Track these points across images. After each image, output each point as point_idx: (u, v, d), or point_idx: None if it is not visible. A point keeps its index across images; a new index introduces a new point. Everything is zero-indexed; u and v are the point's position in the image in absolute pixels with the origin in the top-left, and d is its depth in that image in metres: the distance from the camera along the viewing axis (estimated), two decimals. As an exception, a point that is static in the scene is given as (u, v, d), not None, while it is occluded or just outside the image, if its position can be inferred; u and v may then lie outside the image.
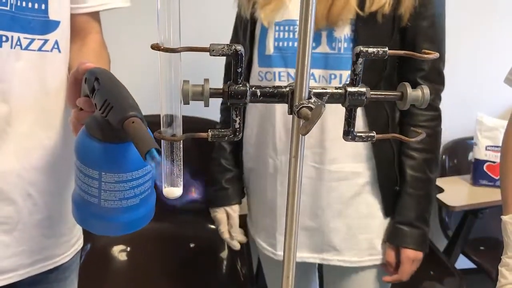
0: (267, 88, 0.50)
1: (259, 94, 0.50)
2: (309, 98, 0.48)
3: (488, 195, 1.83)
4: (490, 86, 1.75)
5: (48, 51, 0.83)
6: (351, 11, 1.01)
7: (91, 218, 0.62)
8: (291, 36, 1.07)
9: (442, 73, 1.12)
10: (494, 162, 1.86)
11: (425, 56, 0.51)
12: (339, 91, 0.51)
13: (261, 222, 1.24)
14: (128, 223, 0.61)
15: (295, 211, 0.53)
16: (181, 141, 0.50)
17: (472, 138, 1.95)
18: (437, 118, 1.13)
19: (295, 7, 1.06)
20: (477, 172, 1.90)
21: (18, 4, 0.78)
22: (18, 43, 0.80)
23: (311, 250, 1.18)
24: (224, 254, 1.86)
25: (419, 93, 0.52)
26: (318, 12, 1.01)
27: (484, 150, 1.88)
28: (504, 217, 0.92)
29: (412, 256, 1.11)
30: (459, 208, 1.77)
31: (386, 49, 0.50)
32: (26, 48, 0.81)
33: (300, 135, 0.48)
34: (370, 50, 0.50)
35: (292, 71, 1.07)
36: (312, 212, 1.15)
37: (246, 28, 1.14)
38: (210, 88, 0.49)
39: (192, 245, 1.89)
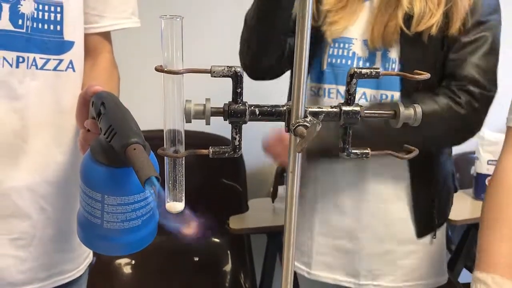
0: (265, 107, 0.53)
1: (257, 112, 0.52)
2: (305, 116, 0.51)
3: (490, 209, 1.83)
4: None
5: (63, 70, 0.86)
6: (397, 30, 0.99)
7: (94, 238, 0.64)
8: (345, 53, 1.07)
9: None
10: (496, 176, 1.87)
11: (417, 76, 0.53)
12: (335, 110, 0.53)
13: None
14: (130, 244, 0.63)
15: (292, 226, 0.55)
16: (183, 157, 0.53)
17: (474, 153, 1.96)
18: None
19: (355, 27, 1.06)
20: (479, 186, 1.91)
21: (34, 26, 0.82)
22: (34, 63, 0.83)
23: (347, 273, 1.16)
24: (228, 267, 1.88)
25: (411, 112, 0.54)
26: (375, 32, 1.01)
27: (486, 165, 1.89)
28: (477, 274, 0.85)
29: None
30: (461, 222, 1.78)
31: (379, 69, 0.53)
32: (41, 68, 0.84)
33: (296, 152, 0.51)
34: (364, 71, 0.52)
35: (342, 89, 1.06)
36: (351, 234, 1.13)
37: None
38: (211, 107, 0.52)
39: (196, 258, 1.91)
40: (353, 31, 1.06)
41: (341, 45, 1.07)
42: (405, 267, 1.14)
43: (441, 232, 1.17)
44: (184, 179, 0.55)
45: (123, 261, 1.85)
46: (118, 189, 0.59)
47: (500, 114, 2.04)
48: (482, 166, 1.91)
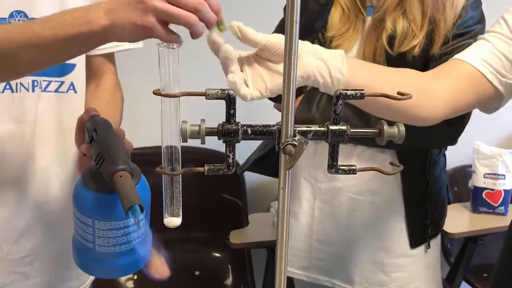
0: (257, 127, 0.56)
1: (250, 132, 0.56)
2: (294, 135, 0.54)
3: (487, 222, 1.85)
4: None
5: (64, 92, 0.90)
6: (382, 51, 1.03)
7: (88, 262, 0.66)
8: None
9: None
10: (492, 190, 1.89)
11: (399, 97, 0.57)
12: (322, 129, 0.57)
13: (294, 247, 1.23)
14: (123, 267, 0.65)
15: (284, 240, 0.58)
16: (180, 174, 0.56)
17: (471, 166, 1.99)
18: None
19: (355, 48, 1.09)
20: (476, 200, 1.93)
21: None
22: (39, 86, 0.87)
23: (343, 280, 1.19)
24: (229, 281, 1.90)
25: (395, 130, 0.58)
26: (365, 52, 1.05)
27: (483, 178, 1.91)
28: None
29: None
30: (458, 235, 1.79)
31: (363, 91, 0.56)
32: (44, 90, 0.88)
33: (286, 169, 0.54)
34: (349, 92, 0.56)
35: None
36: (346, 243, 1.17)
37: None
38: (206, 128, 0.55)
39: (197, 272, 1.93)
40: (353, 52, 1.10)
41: None
42: (400, 280, 1.16)
43: (435, 243, 1.19)
44: (181, 195, 0.58)
45: (124, 276, 1.87)
46: (107, 214, 0.61)
47: (496, 129, 2.07)
48: (479, 180, 1.93)
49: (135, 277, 1.88)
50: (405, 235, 1.14)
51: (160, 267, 0.65)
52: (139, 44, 1.04)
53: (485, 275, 1.98)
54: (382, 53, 1.03)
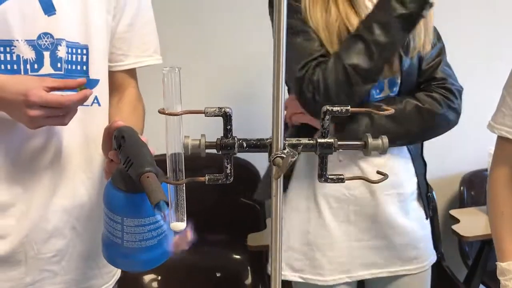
0: (252, 141, 0.62)
1: (245, 145, 0.62)
2: (284, 148, 0.60)
3: (504, 225, 1.86)
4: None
5: (88, 105, 0.97)
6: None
7: (116, 256, 0.74)
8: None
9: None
10: (508, 193, 1.90)
11: (381, 112, 0.62)
12: (311, 142, 0.62)
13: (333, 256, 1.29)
14: (148, 261, 0.73)
15: (278, 246, 0.64)
16: (184, 184, 0.63)
17: (487, 170, 2.00)
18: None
19: None
20: (493, 203, 1.94)
21: (68, 67, 0.94)
22: None
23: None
24: (248, 281, 1.96)
25: (379, 142, 0.63)
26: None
27: (498, 182, 1.92)
28: (501, 264, 0.95)
29: None
30: (476, 238, 1.82)
31: (348, 107, 0.62)
32: None
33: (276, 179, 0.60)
34: (335, 108, 0.61)
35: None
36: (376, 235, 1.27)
37: None
38: (205, 142, 0.61)
39: (218, 274, 2.00)
40: None
41: None
42: (425, 249, 1.31)
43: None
44: (185, 202, 0.64)
45: (149, 277, 1.95)
46: (135, 212, 0.70)
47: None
48: (495, 183, 1.94)
49: (159, 277, 1.96)
50: (422, 211, 1.30)
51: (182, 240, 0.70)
52: (158, 61, 1.11)
53: (503, 278, 1.98)
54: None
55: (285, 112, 1.07)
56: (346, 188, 1.21)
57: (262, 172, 1.90)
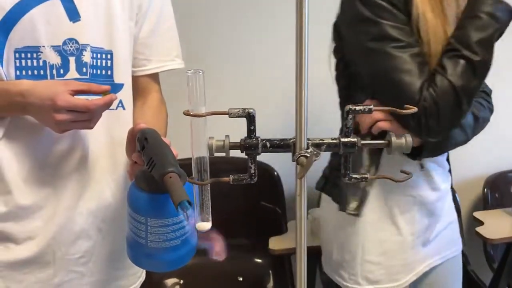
0: (275, 141, 0.63)
1: (268, 145, 0.63)
2: (307, 148, 0.60)
3: (530, 227, 1.83)
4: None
5: (113, 109, 0.99)
6: None
7: (141, 256, 0.75)
8: None
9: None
10: (533, 195, 1.88)
11: (404, 111, 0.62)
12: (335, 141, 0.63)
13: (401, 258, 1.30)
14: (172, 261, 0.73)
15: (303, 244, 0.64)
16: (209, 184, 0.63)
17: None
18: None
19: None
20: (518, 205, 1.92)
21: (93, 72, 0.96)
22: None
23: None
24: (270, 285, 1.96)
25: (402, 141, 0.63)
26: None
27: (524, 183, 1.90)
28: None
29: None
30: (497, 241, 1.79)
31: (371, 106, 0.62)
32: None
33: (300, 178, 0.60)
34: (358, 108, 0.62)
35: None
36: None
37: None
38: (229, 142, 0.62)
39: (240, 278, 2.00)
40: None
41: None
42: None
43: None
44: (210, 202, 0.65)
45: (171, 281, 1.97)
46: (158, 212, 0.70)
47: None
48: (520, 185, 1.92)
49: (181, 281, 1.97)
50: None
51: (219, 250, 0.72)
52: (180, 65, 1.13)
53: (530, 281, 1.95)
54: None
55: (365, 119, 1.07)
56: (413, 188, 1.22)
57: (282, 175, 1.91)
